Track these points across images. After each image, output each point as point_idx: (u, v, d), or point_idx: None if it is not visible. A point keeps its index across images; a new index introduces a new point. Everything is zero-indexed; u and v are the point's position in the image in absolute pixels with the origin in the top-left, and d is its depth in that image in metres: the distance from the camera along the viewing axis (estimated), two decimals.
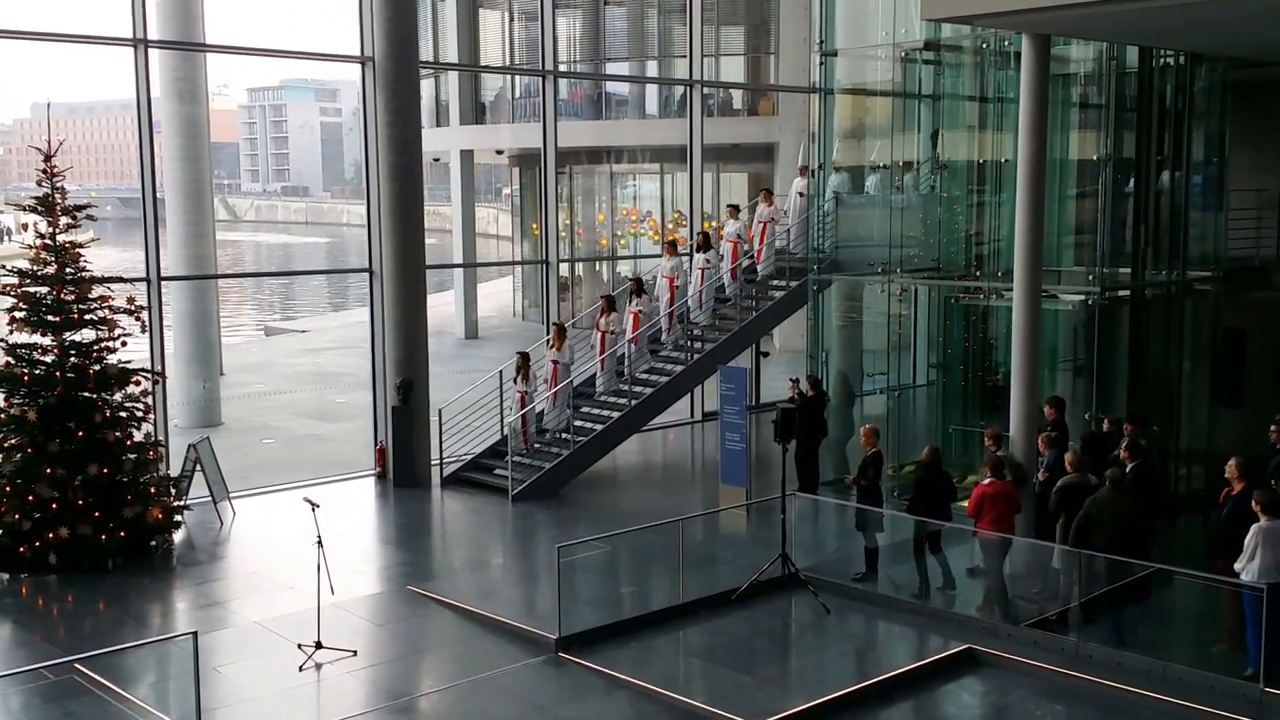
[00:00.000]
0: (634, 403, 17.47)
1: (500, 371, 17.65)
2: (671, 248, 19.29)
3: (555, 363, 17.35)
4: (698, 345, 18.20)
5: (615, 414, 17.45)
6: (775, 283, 18.96)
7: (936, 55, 16.54)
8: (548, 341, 17.77)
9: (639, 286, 18.34)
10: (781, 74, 28.67)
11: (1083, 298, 14.82)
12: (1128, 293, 15.09)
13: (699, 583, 12.49)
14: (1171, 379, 15.82)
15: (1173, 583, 11.23)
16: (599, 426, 17.32)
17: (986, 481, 11.99)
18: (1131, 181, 15.00)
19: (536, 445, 17.23)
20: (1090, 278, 14.63)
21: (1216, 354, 16.28)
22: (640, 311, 18.04)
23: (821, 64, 17.35)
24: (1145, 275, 15.32)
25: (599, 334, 17.98)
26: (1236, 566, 10.25)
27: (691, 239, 20.71)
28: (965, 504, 12.49)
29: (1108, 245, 14.66)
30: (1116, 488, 11.25)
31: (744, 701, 9.87)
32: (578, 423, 17.41)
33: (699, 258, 18.87)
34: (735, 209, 19.78)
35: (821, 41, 17.31)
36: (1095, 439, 13.50)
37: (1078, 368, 15.43)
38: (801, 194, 19.35)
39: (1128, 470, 11.96)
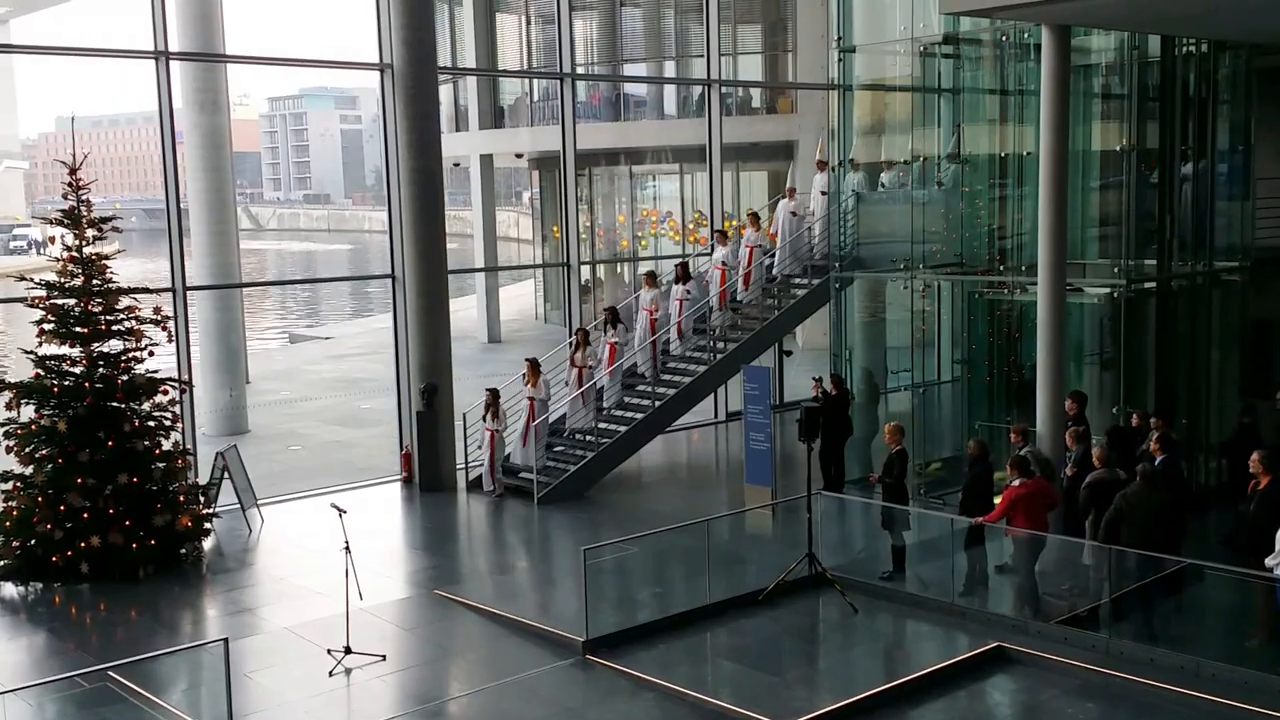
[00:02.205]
0: (658, 404, 17.46)
1: (523, 375, 17.69)
2: (650, 278, 18.62)
3: (531, 399, 16.89)
4: (677, 379, 17.71)
5: (639, 415, 17.45)
6: (797, 280, 18.89)
7: (956, 49, 16.46)
8: (524, 376, 17.17)
9: (614, 316, 17.91)
10: (800, 71, 28.60)
11: (1108, 290, 14.71)
12: (1154, 285, 14.96)
13: (726, 583, 12.46)
14: (1199, 371, 15.67)
15: (1204, 578, 11.12)
16: (623, 428, 17.32)
17: (1017, 483, 11.81)
18: (1156, 172, 14.88)
19: (504, 487, 16.76)
20: (1115, 270, 14.51)
21: (1245, 345, 16.12)
22: (616, 343, 17.63)
23: (840, 60, 17.30)
24: (1171, 267, 15.19)
25: (574, 370, 17.56)
26: (1269, 562, 10.15)
27: (711, 238, 20.62)
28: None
29: (1133, 237, 14.54)
30: (1147, 482, 11.15)
31: (772, 702, 9.84)
32: (601, 424, 17.42)
33: (678, 289, 18.37)
34: (723, 234, 19.38)
35: (840, 37, 17.27)
36: (1122, 433, 13.40)
37: (1104, 361, 15.32)
38: (794, 213, 19.02)
39: (1157, 464, 11.86)
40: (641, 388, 17.88)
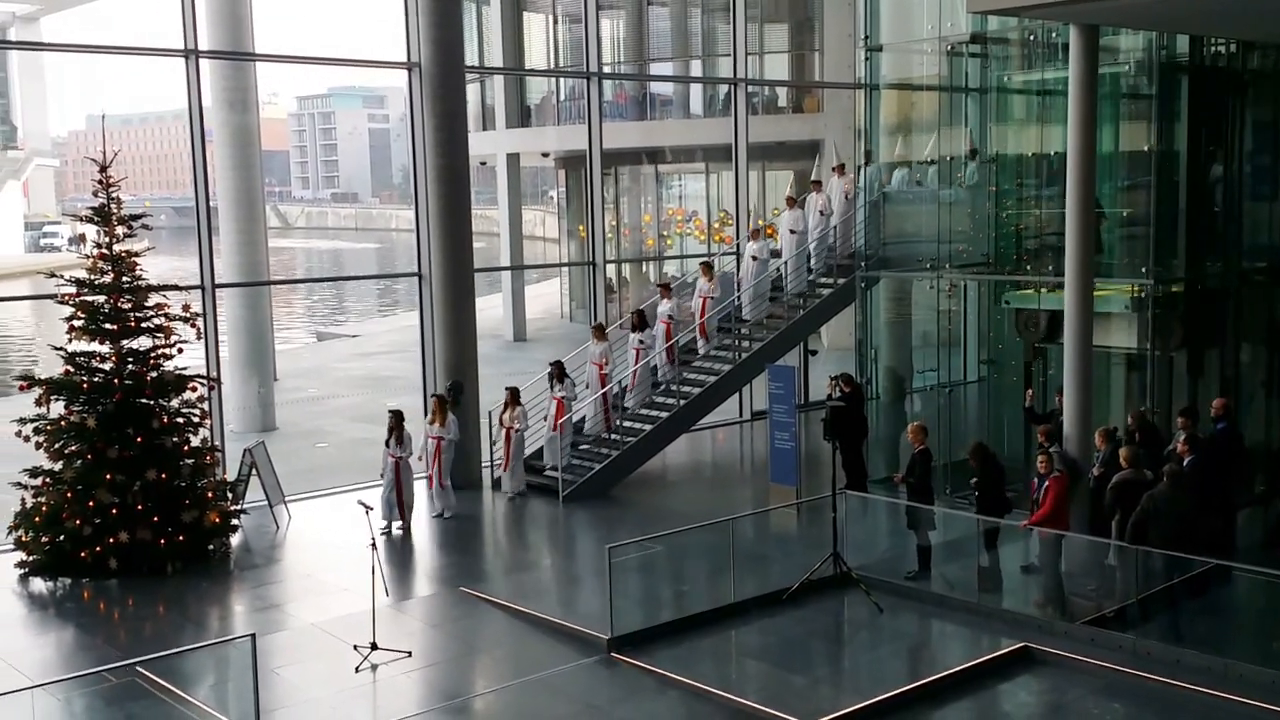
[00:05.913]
0: (683, 403, 17.46)
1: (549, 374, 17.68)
2: (599, 331, 17.90)
3: (438, 439, 15.85)
4: (630, 434, 17.27)
5: (664, 414, 17.45)
6: (823, 280, 18.83)
7: (983, 48, 16.38)
8: (430, 413, 16.26)
9: (560, 371, 17.24)
10: (826, 70, 28.54)
11: (1137, 291, 14.61)
12: (1181, 285, 14.85)
13: (750, 582, 12.46)
14: (1228, 372, 15.54)
15: (1232, 578, 11.04)
16: (648, 427, 17.33)
17: (1058, 473, 12.01)
18: (1184, 172, 14.76)
19: (407, 526, 15.39)
20: (1144, 271, 14.41)
21: (1273, 345, 15.98)
22: (564, 398, 17.08)
23: (867, 59, 17.25)
24: (1200, 268, 15.06)
25: (503, 430, 16.71)
26: None
27: (738, 237, 20.56)
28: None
29: (1161, 238, 14.43)
30: (1174, 483, 11.09)
31: (797, 701, 9.83)
32: (626, 423, 17.42)
33: (633, 338, 17.86)
34: (667, 287, 18.79)
35: (866, 36, 17.21)
36: (1150, 433, 13.31)
37: (1130, 361, 15.21)
38: (755, 258, 18.57)
39: (1185, 464, 11.79)
40: (578, 449, 17.35)
